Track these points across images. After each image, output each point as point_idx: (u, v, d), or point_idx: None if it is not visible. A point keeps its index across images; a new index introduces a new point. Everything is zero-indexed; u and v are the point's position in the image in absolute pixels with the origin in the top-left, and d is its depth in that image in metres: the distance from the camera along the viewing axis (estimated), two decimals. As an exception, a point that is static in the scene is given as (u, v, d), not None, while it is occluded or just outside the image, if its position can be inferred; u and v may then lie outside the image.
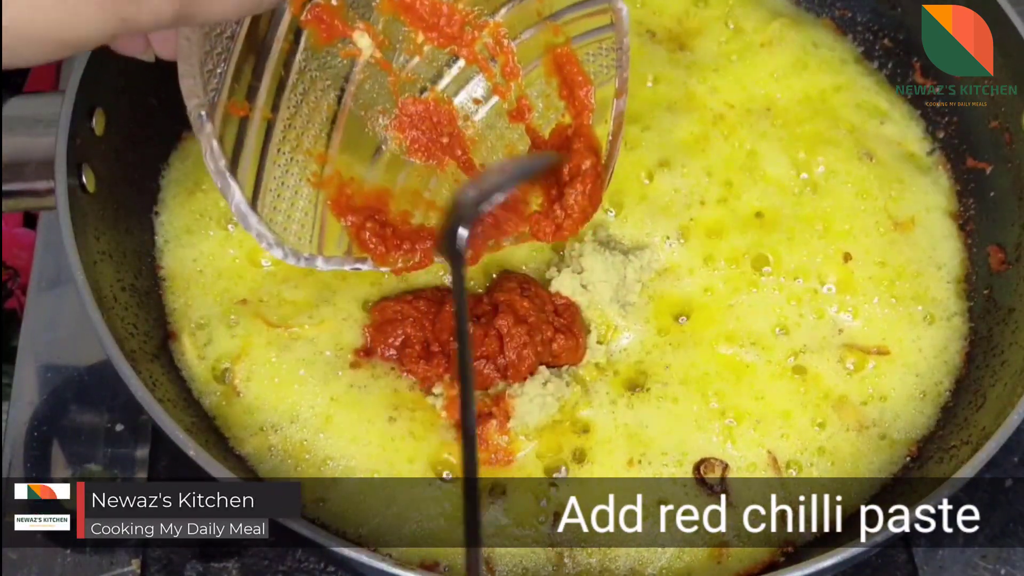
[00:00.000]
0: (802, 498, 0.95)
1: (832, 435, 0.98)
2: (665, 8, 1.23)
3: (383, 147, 0.98)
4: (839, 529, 0.95)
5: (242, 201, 0.83)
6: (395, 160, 0.98)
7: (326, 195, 0.93)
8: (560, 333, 0.98)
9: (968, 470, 0.84)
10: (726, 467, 0.96)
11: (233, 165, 0.84)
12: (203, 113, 0.80)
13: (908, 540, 1.04)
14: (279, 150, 0.91)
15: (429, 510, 0.93)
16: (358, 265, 0.93)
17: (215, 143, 0.81)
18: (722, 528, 0.93)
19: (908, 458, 0.98)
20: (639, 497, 0.94)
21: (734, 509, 0.94)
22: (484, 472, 0.94)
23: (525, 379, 0.96)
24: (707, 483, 0.95)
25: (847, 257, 1.07)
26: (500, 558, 0.92)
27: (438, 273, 1.04)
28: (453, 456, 0.95)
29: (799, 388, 1.00)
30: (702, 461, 0.96)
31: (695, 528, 0.93)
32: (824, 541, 0.94)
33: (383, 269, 0.93)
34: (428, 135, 0.98)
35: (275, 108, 0.90)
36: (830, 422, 0.99)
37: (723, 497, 0.94)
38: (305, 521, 0.80)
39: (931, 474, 0.93)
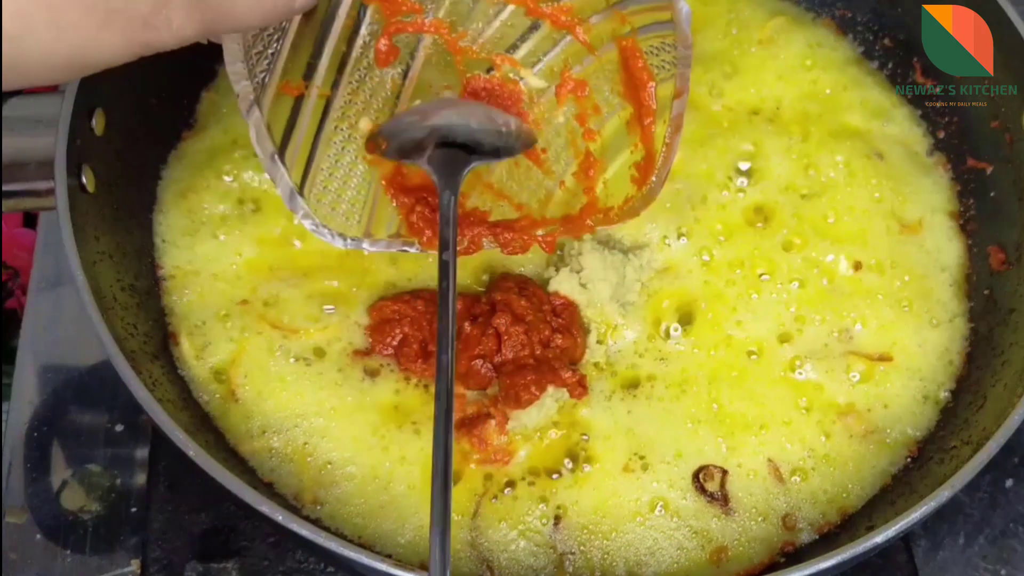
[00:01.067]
0: (803, 503, 0.95)
1: (836, 443, 0.98)
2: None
3: None
4: (839, 530, 0.95)
5: (289, 186, 0.83)
6: None
7: (381, 173, 0.92)
8: (558, 332, 0.98)
9: (968, 470, 0.84)
10: (725, 473, 0.95)
11: (283, 147, 0.84)
12: (251, 97, 0.79)
13: (908, 540, 1.04)
14: (336, 127, 0.90)
15: (429, 511, 0.92)
16: (405, 247, 0.92)
17: (263, 128, 0.80)
18: (721, 534, 0.93)
19: (908, 459, 0.98)
20: (638, 500, 0.94)
21: (734, 516, 0.94)
22: (484, 472, 0.94)
23: (523, 379, 0.96)
24: (706, 491, 0.94)
25: (858, 265, 1.06)
26: (501, 559, 0.91)
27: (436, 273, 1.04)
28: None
29: (802, 395, 1.00)
30: (700, 469, 0.95)
31: (693, 534, 0.93)
32: (824, 541, 0.93)
33: (430, 252, 0.93)
34: None
35: (335, 85, 0.89)
36: (834, 430, 0.98)
37: (723, 504, 0.94)
38: (305, 521, 0.80)
39: (931, 474, 0.92)
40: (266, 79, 0.82)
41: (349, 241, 0.88)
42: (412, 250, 0.93)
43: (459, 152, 0.89)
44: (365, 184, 0.92)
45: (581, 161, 0.98)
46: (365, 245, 0.90)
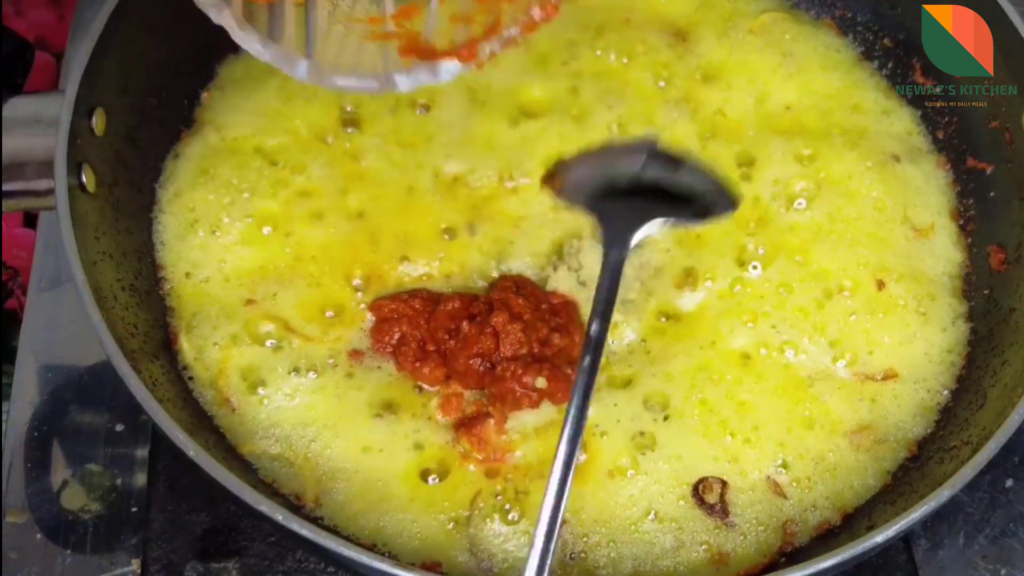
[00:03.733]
0: (804, 509, 0.95)
1: (841, 456, 0.97)
2: (670, 5, 1.22)
3: None
4: (839, 529, 0.95)
5: (304, 64, 0.80)
6: None
7: (396, 46, 0.88)
8: (556, 332, 0.98)
9: (968, 470, 0.84)
10: (724, 484, 0.95)
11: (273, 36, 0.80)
12: None
13: (908, 540, 1.04)
14: (330, 28, 0.87)
15: (429, 510, 0.93)
16: (449, 67, 0.86)
17: (241, 21, 0.78)
18: (722, 540, 0.93)
19: (908, 459, 0.98)
20: (638, 502, 0.94)
21: (734, 527, 0.94)
22: (484, 471, 0.94)
23: (522, 377, 0.96)
24: (705, 503, 0.94)
25: (880, 284, 1.04)
26: (502, 561, 0.91)
27: (436, 273, 1.04)
28: (445, 456, 0.95)
29: (804, 402, 0.99)
30: (700, 481, 0.94)
31: (694, 539, 0.93)
32: (824, 541, 0.93)
33: (469, 66, 0.87)
34: None
35: None
36: (840, 444, 0.97)
37: (723, 516, 0.94)
38: (305, 521, 0.80)
39: (931, 474, 0.92)
40: None
41: (383, 80, 0.83)
42: (455, 68, 0.86)
43: (640, 203, 0.79)
44: (379, 49, 0.88)
45: None
46: (399, 80, 0.84)
